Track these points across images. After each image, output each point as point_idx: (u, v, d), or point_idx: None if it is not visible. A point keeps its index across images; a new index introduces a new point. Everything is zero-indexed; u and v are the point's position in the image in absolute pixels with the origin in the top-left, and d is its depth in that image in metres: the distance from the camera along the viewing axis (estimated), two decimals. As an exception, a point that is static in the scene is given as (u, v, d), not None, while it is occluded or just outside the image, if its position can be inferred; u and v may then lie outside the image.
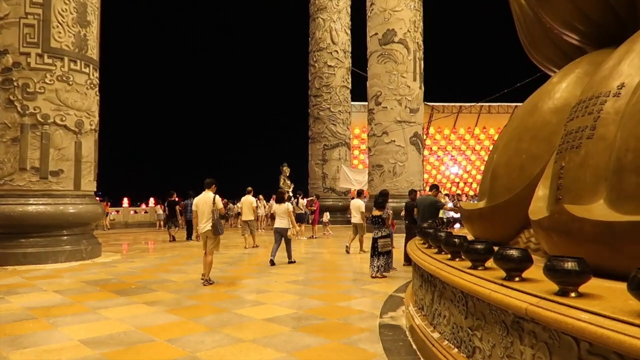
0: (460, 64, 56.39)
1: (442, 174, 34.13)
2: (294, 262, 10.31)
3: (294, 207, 17.76)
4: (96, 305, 6.33)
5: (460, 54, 58.72)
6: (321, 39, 26.96)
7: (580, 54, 5.32)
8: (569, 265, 2.39)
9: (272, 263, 9.99)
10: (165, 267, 10.05)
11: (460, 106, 30.51)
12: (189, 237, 16.55)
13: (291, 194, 33.57)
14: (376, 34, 20.29)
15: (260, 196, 22.19)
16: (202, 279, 7.95)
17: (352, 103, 28.70)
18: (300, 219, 17.11)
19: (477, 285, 3.07)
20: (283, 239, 10.43)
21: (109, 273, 9.20)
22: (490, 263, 3.32)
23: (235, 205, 26.19)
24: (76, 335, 4.90)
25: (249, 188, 14.54)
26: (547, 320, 2.31)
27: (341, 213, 26.75)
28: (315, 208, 18.06)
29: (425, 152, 28.12)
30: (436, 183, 16.28)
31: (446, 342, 3.82)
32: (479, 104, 28.51)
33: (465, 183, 35.02)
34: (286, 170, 33.12)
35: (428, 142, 31.56)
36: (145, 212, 28.21)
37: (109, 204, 24.51)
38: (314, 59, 27.26)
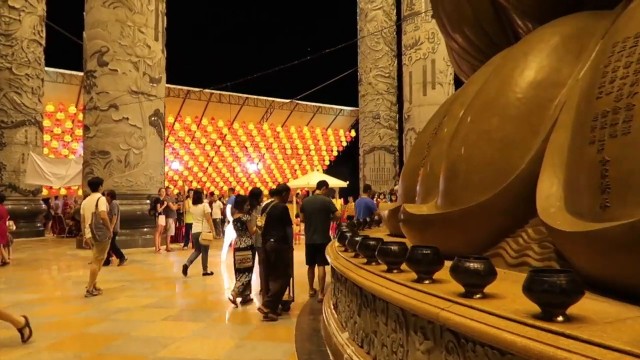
0: (192, 43, 50.84)
1: (159, 170, 28.86)
2: (211, 273, 8.98)
3: None
4: None
5: (196, 33, 52.93)
6: (-4, -35, 18.25)
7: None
8: None
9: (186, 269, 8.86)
10: None
11: (188, 91, 26.12)
12: None
13: None
14: (101, -36, 14.21)
15: None
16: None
17: (46, 69, 20.74)
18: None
19: None
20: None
21: None
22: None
23: None
24: None
25: None
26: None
27: (26, 221, 18.75)
28: (-3, 216, 10.86)
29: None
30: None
31: None
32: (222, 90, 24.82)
33: (184, 181, 30.72)
34: None
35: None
36: None
37: None
38: (-15, -7, 18.28)
